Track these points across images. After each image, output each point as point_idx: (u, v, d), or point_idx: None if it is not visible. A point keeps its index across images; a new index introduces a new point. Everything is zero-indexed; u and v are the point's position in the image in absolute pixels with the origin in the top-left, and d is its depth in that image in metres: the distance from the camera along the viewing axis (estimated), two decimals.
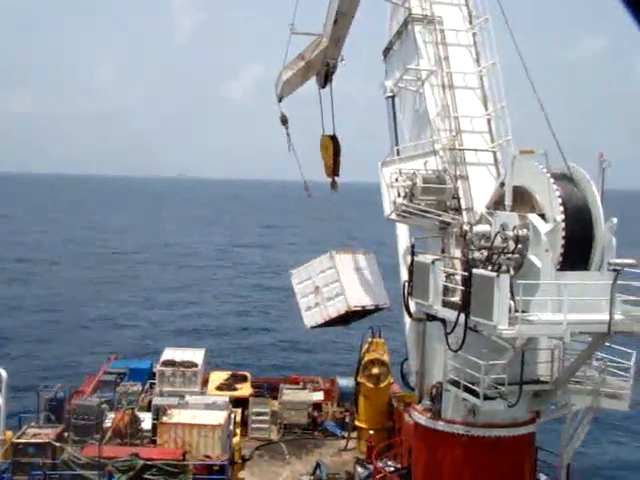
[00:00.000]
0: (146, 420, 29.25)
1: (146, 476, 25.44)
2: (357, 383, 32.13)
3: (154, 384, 33.30)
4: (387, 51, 25.71)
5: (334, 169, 31.87)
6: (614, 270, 17.98)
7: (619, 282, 18.29)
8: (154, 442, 27.71)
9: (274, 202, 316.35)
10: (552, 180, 18.79)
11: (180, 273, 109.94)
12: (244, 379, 35.86)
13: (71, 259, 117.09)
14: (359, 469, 30.07)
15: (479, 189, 21.65)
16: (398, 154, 23.20)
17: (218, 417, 27.63)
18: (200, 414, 27.79)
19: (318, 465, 29.43)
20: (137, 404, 31.54)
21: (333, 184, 32.51)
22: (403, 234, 24.72)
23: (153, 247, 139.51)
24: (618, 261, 18.15)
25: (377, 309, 31.34)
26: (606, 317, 17.51)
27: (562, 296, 17.22)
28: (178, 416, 27.48)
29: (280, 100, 31.70)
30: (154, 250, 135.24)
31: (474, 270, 18.21)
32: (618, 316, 17.80)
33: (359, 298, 30.98)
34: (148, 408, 30.48)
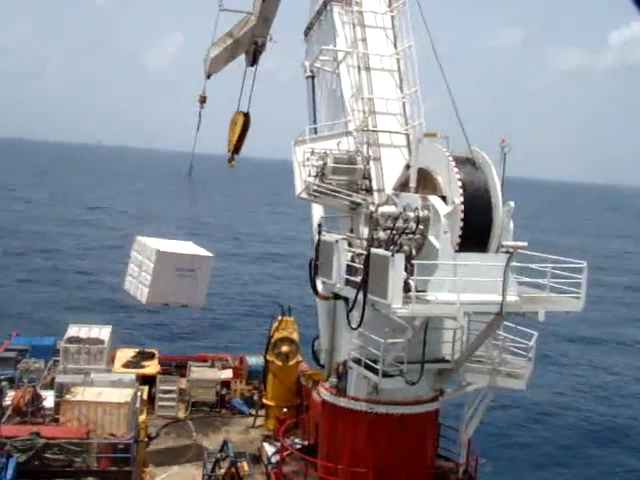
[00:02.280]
0: (48, 398, 28.49)
1: (47, 455, 24.87)
2: (266, 361, 32.23)
3: (58, 361, 32.49)
4: (308, 31, 25.71)
5: (236, 146, 31.66)
6: (507, 252, 18.48)
7: (519, 265, 18.90)
8: (57, 421, 27.06)
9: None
10: (453, 163, 19.18)
11: (84, 245, 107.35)
12: (151, 357, 35.44)
13: None
14: (266, 446, 30.23)
15: (391, 171, 21.89)
16: (316, 133, 23.23)
17: (124, 395, 27.18)
18: (105, 392, 27.26)
19: (225, 443, 29.41)
20: (39, 382, 30.70)
21: (230, 160, 32.24)
22: (317, 214, 24.83)
23: (56, 218, 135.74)
24: (510, 243, 18.69)
25: (184, 306, 34.55)
26: (499, 298, 17.98)
27: (457, 277, 17.64)
28: (82, 394, 26.89)
29: (208, 77, 31.45)
30: (58, 221, 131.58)
31: (372, 249, 18.51)
32: (512, 297, 18.34)
33: (161, 296, 33.12)
34: (51, 386, 29.73)
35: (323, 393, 22.18)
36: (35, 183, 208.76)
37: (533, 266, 18.90)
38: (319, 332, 24.61)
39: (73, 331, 33.66)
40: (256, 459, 30.03)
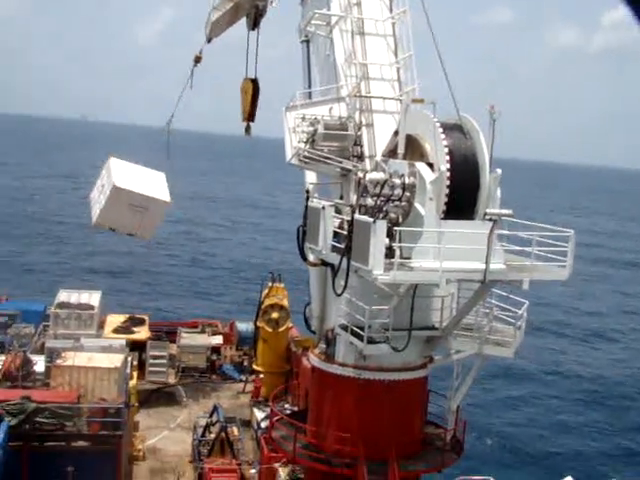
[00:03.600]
0: (39, 363, 28.57)
1: (38, 419, 24.98)
2: (256, 327, 32.34)
3: (48, 327, 32.50)
4: None
5: (250, 113, 31.66)
6: (490, 220, 18.36)
7: (505, 233, 18.82)
8: (47, 385, 27.14)
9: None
10: (441, 130, 19.01)
11: (75, 211, 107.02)
12: (142, 322, 35.49)
13: None
14: (256, 412, 30.45)
15: (384, 137, 21.71)
16: (311, 99, 23.01)
17: (114, 360, 27.28)
18: (96, 357, 27.36)
19: (215, 408, 29.60)
20: (30, 347, 30.73)
21: (247, 129, 32.32)
22: (309, 180, 24.71)
23: (46, 185, 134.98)
24: (494, 211, 18.45)
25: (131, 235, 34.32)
26: (483, 266, 17.86)
27: (441, 244, 17.51)
28: (73, 359, 26.96)
29: (209, 41, 31.25)
30: (47, 189, 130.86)
31: (355, 216, 18.42)
32: (497, 265, 18.24)
33: (109, 222, 33.59)
34: (41, 351, 29.76)
35: (312, 359, 22.25)
36: (31, 155, 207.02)
37: (519, 234, 18.77)
38: (311, 298, 24.64)
39: (63, 296, 33.64)
40: (246, 424, 30.26)
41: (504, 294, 20.37)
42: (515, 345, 20.59)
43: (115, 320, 35.23)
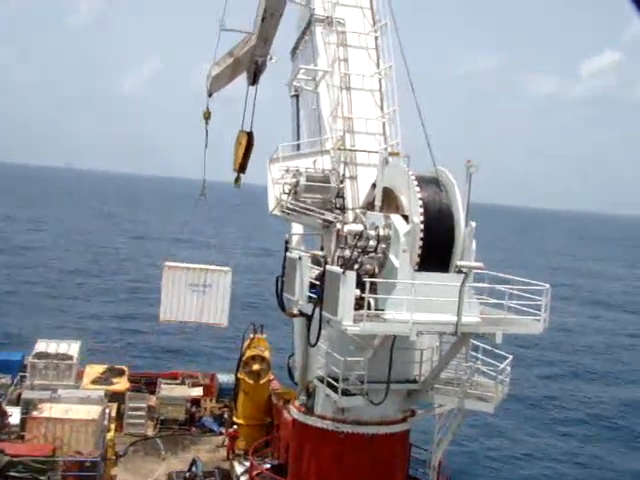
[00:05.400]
0: (14, 414, 28.03)
1: (11, 473, 24.38)
2: (237, 379, 31.99)
3: (25, 377, 31.98)
4: (294, 51, 26.05)
5: (242, 164, 31.99)
6: (460, 272, 18.39)
7: (480, 285, 18.86)
8: (22, 438, 26.58)
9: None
10: (415, 182, 19.21)
11: (58, 262, 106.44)
12: (121, 373, 34.99)
13: None
14: (236, 466, 29.92)
15: (368, 189, 21.91)
16: (299, 150, 23.39)
17: (92, 412, 26.80)
18: (73, 408, 26.88)
19: (194, 461, 29.08)
20: (5, 398, 30.19)
21: (237, 179, 32.61)
22: (296, 230, 24.84)
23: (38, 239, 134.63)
24: (465, 263, 18.55)
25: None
26: (455, 318, 17.89)
27: (414, 296, 17.48)
28: (49, 410, 26.47)
29: (210, 95, 31.92)
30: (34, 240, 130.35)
31: (327, 266, 18.50)
32: (470, 318, 18.25)
33: (174, 313, 33.52)
34: (18, 402, 29.24)
35: (293, 411, 22.04)
36: (17, 205, 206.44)
37: (492, 286, 18.79)
38: (294, 349, 24.52)
39: (41, 346, 33.19)
40: (226, 478, 29.71)
41: (488, 347, 20.31)
42: (497, 400, 20.43)
43: (94, 371, 34.72)
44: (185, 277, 33.36)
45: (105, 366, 35.67)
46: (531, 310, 18.41)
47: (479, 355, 20.69)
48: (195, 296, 33.33)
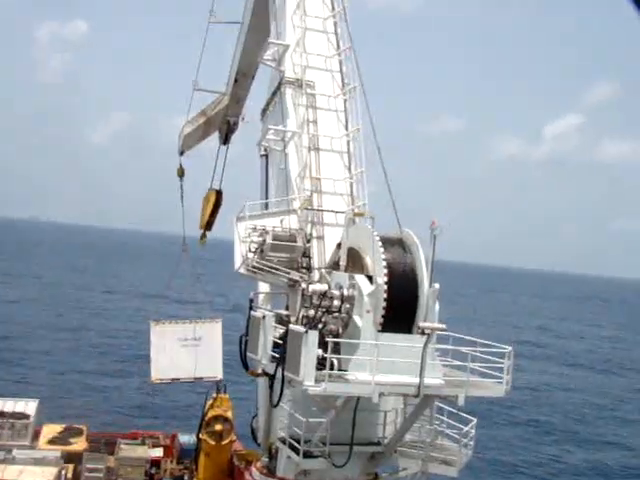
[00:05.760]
0: None
1: None
2: (199, 439, 31.37)
3: None
4: (264, 112, 26.44)
5: (209, 222, 32.08)
6: (423, 333, 18.40)
7: (443, 346, 18.89)
8: None
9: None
10: (380, 243, 19.40)
11: (22, 316, 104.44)
12: (79, 433, 34.06)
13: None
14: None
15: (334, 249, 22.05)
16: (267, 209, 23.57)
17: (47, 473, 26.14)
18: (27, 470, 26.17)
19: None
20: None
21: (203, 236, 32.65)
22: (263, 289, 24.81)
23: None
24: (428, 325, 18.53)
25: (198, 379, 33.09)
26: (417, 380, 17.85)
27: (376, 357, 17.46)
28: (2, 472, 25.70)
29: (182, 154, 32.10)
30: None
31: (290, 326, 18.45)
32: (433, 380, 18.23)
33: (166, 371, 32.59)
34: None
35: (255, 474, 21.64)
36: None
37: (455, 348, 18.79)
38: (258, 410, 24.21)
39: None
40: None
41: (454, 410, 20.22)
42: (460, 464, 20.27)
43: (51, 430, 33.78)
44: (174, 332, 32.68)
45: (63, 425, 34.77)
46: (494, 373, 18.43)
47: (444, 417, 20.60)
48: (186, 351, 32.58)
